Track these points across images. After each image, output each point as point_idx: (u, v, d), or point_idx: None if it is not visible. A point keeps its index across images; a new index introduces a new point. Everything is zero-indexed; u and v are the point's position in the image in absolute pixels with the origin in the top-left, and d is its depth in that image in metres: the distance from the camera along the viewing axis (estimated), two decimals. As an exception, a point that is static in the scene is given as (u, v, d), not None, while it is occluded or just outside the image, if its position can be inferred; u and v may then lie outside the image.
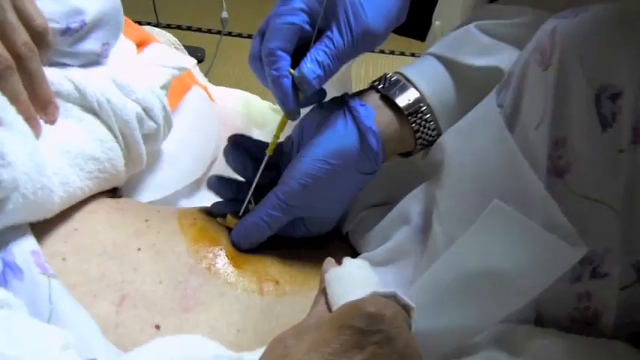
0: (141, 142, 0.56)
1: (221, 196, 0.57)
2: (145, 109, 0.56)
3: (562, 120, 0.41)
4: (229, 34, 1.79)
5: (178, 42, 0.89)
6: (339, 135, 0.51)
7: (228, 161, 0.56)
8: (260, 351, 0.40)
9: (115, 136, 0.53)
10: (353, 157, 0.51)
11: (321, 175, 0.51)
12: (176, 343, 0.40)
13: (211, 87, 0.83)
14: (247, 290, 0.49)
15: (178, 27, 1.88)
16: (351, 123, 0.51)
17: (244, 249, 0.53)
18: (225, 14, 1.52)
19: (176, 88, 0.69)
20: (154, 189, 0.62)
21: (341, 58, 0.51)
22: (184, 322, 0.46)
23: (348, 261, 0.44)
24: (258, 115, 0.81)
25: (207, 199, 0.62)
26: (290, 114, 0.53)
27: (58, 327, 0.39)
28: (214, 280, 0.49)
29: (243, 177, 0.57)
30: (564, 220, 0.40)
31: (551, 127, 0.41)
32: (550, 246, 0.39)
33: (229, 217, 0.55)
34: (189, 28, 1.90)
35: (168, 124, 0.61)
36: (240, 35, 1.88)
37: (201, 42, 1.75)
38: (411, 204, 0.52)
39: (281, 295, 0.50)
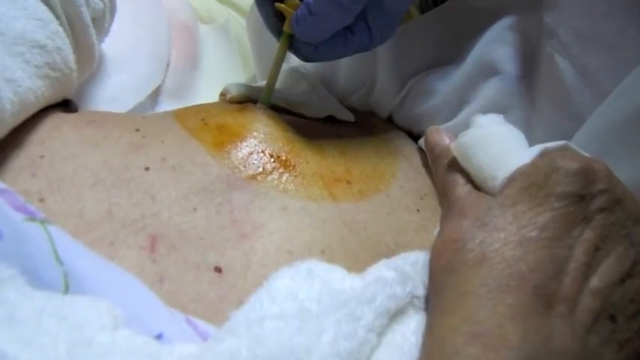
0: (91, 25, 0.38)
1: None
2: (86, -22, 0.38)
3: None
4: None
5: None
6: None
7: None
8: (377, 268, 0.28)
9: (57, 17, 0.35)
10: None
11: None
12: (291, 281, 0.25)
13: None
14: (315, 198, 0.35)
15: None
16: None
17: (306, 38, 0.37)
18: None
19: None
20: (109, 103, 0.44)
21: None
22: (250, 255, 0.31)
23: (481, 119, 0.31)
24: (202, 9, 0.64)
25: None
26: None
27: (90, 297, 0.23)
28: (266, 191, 0.34)
29: None
30: None
31: None
32: None
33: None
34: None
35: (112, 5, 0.43)
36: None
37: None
38: (495, 50, 0.38)
39: (359, 198, 0.36)
